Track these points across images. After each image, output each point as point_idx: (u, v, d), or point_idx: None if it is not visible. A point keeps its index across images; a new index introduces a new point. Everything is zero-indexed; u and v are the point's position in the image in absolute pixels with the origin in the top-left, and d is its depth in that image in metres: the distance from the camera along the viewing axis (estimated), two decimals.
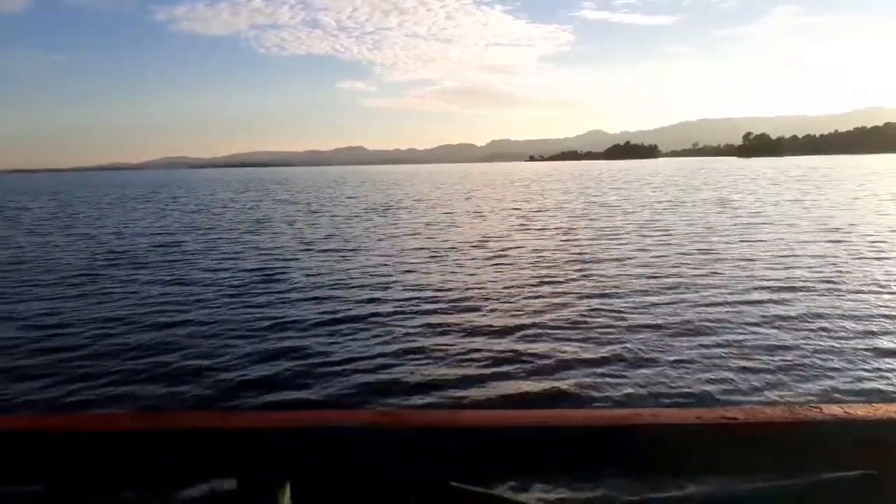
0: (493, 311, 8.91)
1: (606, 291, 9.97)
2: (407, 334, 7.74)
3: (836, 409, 0.95)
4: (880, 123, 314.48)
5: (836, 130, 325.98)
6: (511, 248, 15.35)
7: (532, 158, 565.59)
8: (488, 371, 6.38)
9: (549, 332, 7.71)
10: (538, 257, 13.85)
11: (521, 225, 21.29)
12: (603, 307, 8.86)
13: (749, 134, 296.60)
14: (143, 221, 25.91)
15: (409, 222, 23.00)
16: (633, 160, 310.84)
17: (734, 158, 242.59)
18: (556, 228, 19.75)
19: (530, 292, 10.10)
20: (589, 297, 9.58)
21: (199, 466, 1.00)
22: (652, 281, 10.73)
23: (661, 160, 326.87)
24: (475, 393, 5.84)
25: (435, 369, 6.47)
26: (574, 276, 11.30)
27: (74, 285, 11.47)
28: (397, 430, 0.96)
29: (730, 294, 9.47)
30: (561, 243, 16.14)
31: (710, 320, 8.04)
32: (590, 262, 12.94)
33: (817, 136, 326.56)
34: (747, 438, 0.95)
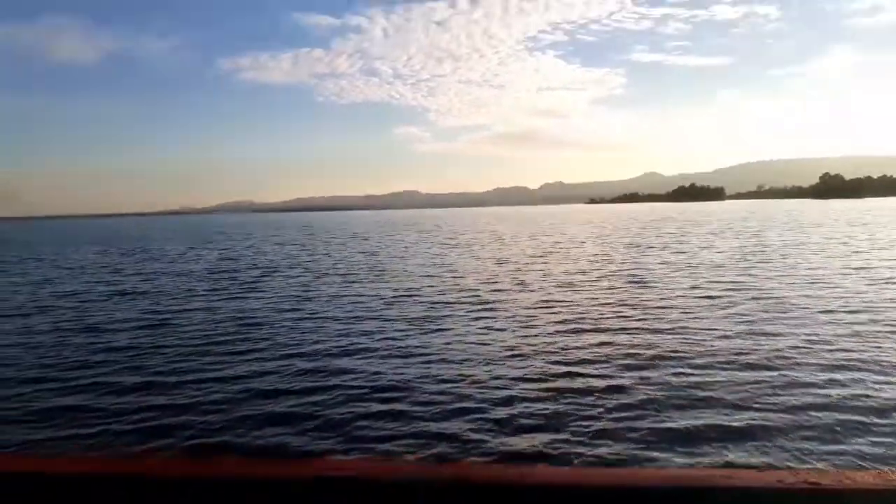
0: None
1: None
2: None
3: None
4: None
5: None
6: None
7: (593, 201, 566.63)
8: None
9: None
10: None
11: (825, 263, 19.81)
12: None
13: (826, 174, 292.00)
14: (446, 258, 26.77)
15: (696, 258, 22.86)
16: (701, 202, 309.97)
17: (811, 200, 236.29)
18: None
19: None
20: None
21: None
22: None
23: (730, 202, 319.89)
24: None
25: None
26: None
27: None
28: (463, 485, 0.90)
29: None
30: None
31: None
32: None
33: None
34: None
